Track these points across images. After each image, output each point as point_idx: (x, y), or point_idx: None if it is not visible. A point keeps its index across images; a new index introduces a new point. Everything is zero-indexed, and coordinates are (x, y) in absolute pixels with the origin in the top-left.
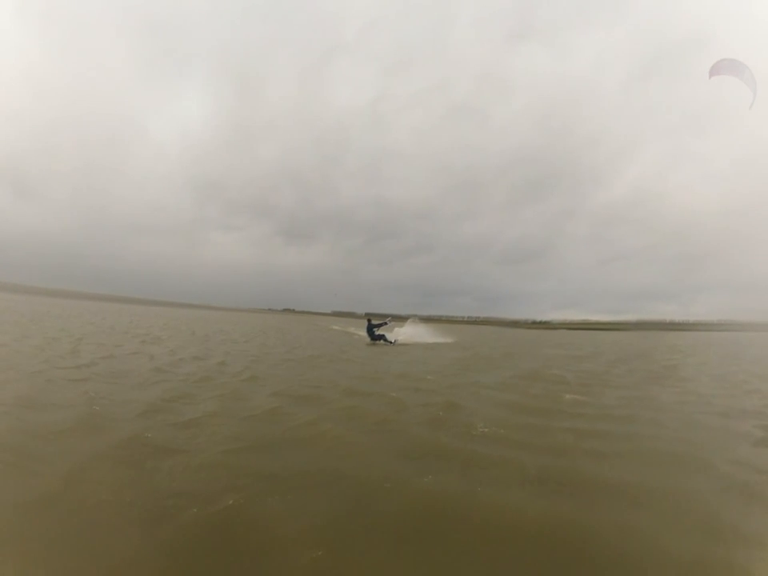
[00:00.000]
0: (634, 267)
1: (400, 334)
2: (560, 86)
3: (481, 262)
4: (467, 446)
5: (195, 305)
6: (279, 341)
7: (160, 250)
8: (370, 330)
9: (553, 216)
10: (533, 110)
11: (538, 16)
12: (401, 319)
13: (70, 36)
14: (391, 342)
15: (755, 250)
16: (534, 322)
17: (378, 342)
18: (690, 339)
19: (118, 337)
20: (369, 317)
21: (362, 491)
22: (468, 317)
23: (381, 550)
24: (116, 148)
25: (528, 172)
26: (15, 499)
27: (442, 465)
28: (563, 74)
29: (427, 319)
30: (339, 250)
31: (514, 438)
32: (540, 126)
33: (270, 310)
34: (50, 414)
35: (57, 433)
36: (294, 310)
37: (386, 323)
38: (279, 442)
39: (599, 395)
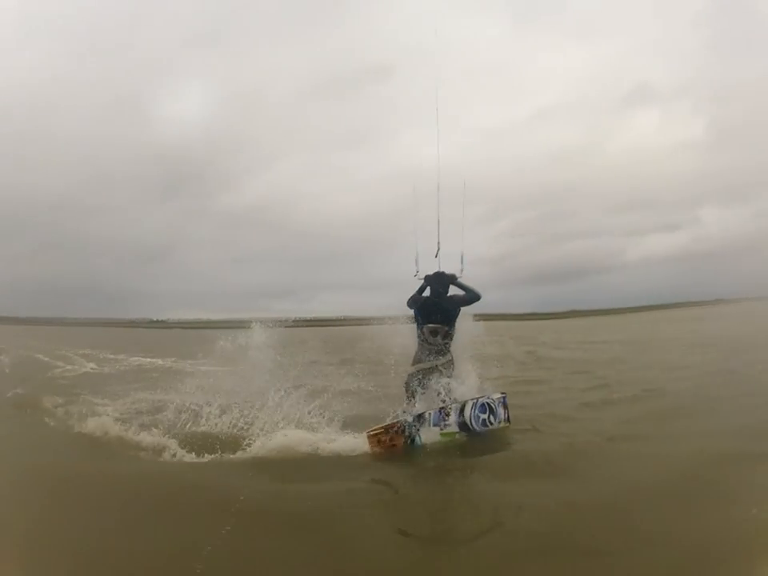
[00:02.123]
0: (259, 268)
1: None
2: (228, 95)
3: (105, 260)
4: None
5: None
6: None
7: None
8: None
9: (182, 216)
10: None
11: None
12: None
13: None
14: None
15: (381, 254)
16: (152, 321)
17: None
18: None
19: None
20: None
21: None
22: (86, 318)
23: None
24: None
25: (165, 172)
26: None
27: None
28: (235, 82)
29: (30, 321)
30: None
31: None
32: (197, 128)
33: None
34: None
35: None
36: None
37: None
38: None
39: None
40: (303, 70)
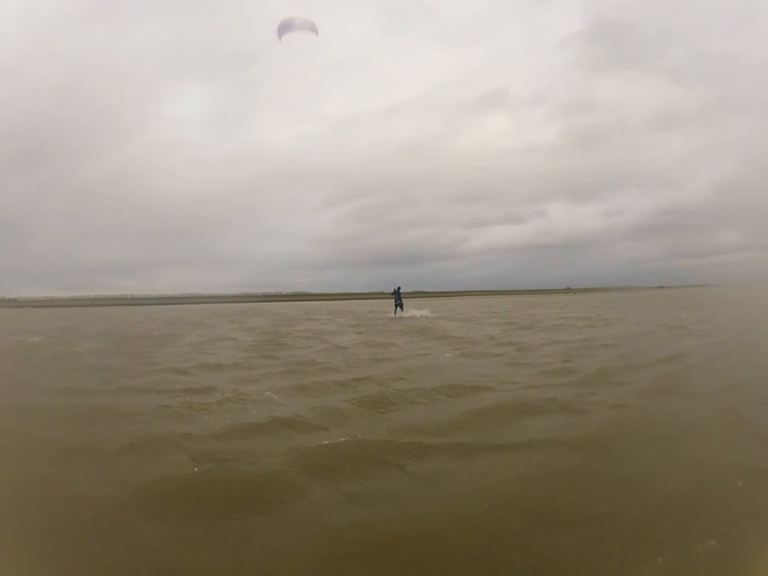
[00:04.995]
0: (102, 244)
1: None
2: (97, 63)
3: None
4: None
5: None
6: None
7: None
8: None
9: (36, 188)
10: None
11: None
12: None
13: None
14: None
15: (223, 233)
16: (3, 300)
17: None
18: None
19: None
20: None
21: None
22: None
23: None
24: None
25: (25, 142)
26: None
27: None
28: (108, 54)
29: None
30: None
31: None
32: (60, 96)
33: None
34: None
35: None
36: None
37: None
38: None
39: None
40: (169, 50)
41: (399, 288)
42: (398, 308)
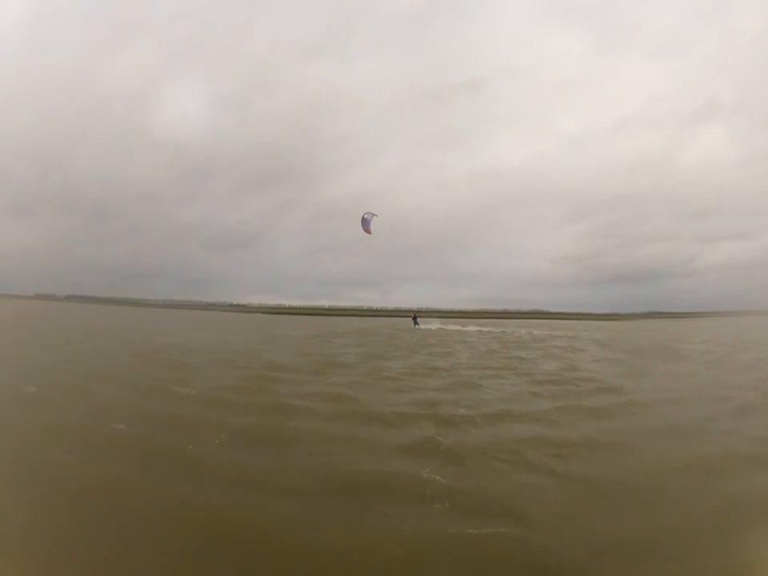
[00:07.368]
0: (341, 258)
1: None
2: (329, 94)
3: (191, 246)
4: None
5: None
6: None
7: None
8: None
9: (273, 207)
10: (290, 111)
11: (336, 41)
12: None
13: None
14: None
15: (465, 249)
16: (231, 305)
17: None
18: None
19: None
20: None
21: None
22: (164, 300)
23: None
24: None
25: (262, 165)
26: None
27: None
28: (338, 87)
29: (109, 301)
30: (56, 229)
31: None
32: (292, 126)
33: None
34: None
35: None
36: None
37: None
38: None
39: None
40: (403, 80)
41: (416, 315)
42: (416, 324)
